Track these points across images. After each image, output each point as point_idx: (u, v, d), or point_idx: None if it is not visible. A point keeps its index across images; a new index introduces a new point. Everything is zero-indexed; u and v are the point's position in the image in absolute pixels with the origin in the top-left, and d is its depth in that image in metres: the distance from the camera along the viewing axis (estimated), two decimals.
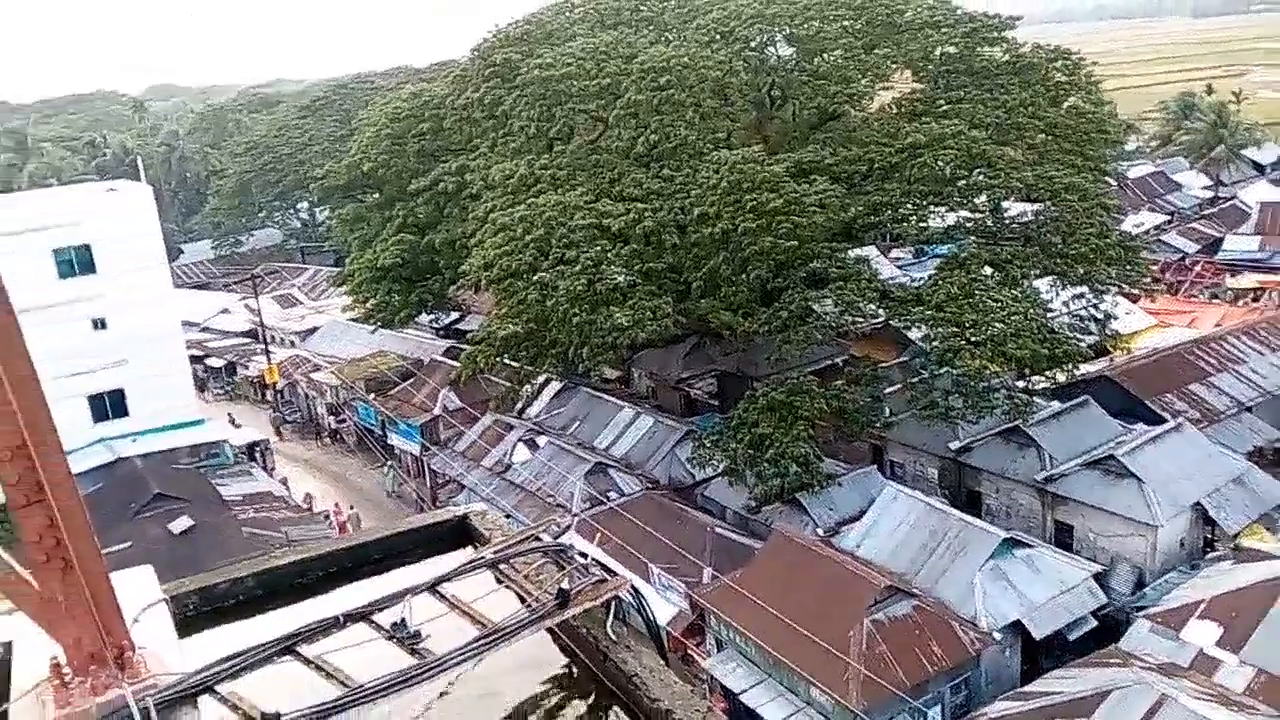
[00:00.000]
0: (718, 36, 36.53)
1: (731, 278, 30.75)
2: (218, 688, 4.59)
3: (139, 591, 5.45)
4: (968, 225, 32.56)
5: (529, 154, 35.68)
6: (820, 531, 27.97)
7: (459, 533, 7.42)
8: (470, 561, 5.90)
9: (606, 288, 29.47)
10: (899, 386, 33.17)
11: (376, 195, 47.57)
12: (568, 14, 44.83)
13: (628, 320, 28.62)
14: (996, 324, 27.36)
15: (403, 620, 5.26)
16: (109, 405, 37.22)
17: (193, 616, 6.64)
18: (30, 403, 4.47)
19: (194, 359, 48.94)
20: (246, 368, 56.74)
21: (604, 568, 6.29)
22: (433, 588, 5.50)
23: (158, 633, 5.07)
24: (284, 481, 40.34)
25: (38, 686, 4.92)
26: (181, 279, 70.37)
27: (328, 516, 35.62)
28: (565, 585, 5.62)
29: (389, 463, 42.43)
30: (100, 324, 37.03)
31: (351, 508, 38.57)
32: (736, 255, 30.19)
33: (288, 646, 4.97)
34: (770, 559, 25.56)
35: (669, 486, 33.53)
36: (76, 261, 36.96)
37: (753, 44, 36.43)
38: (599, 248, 29.64)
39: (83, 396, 35.77)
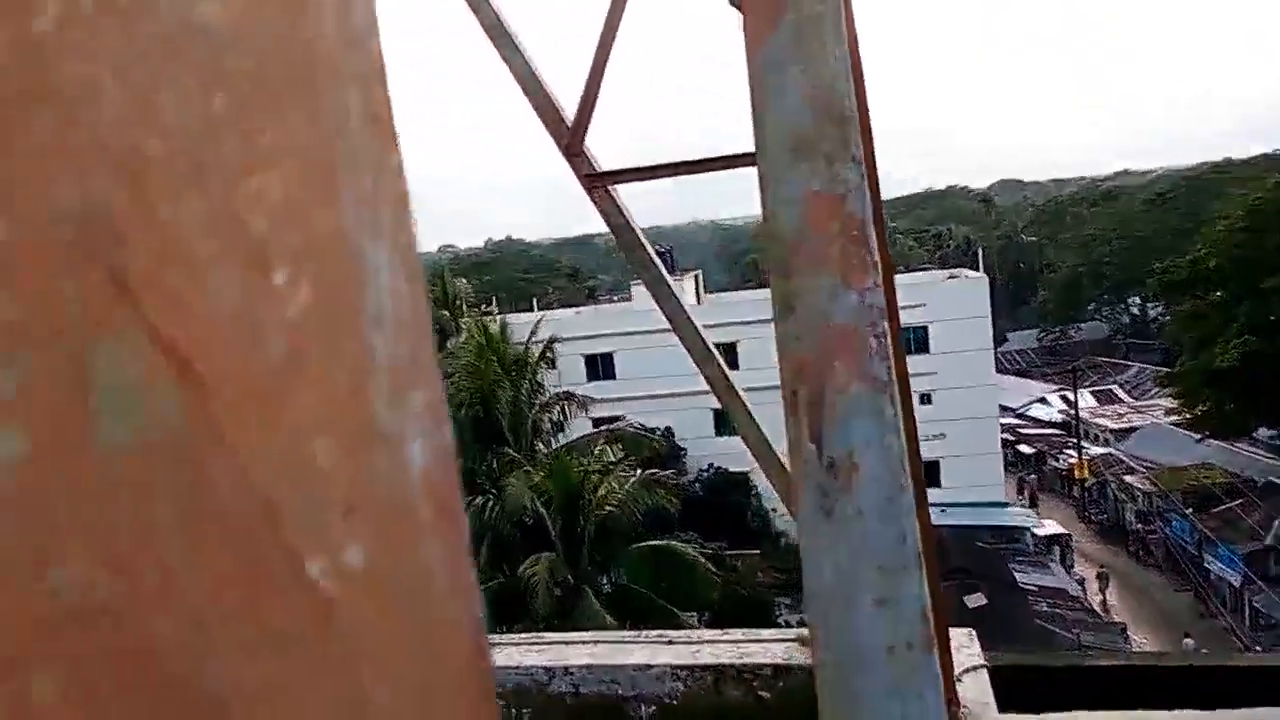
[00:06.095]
0: None
1: None
2: None
3: (963, 650, 5.72)
4: None
5: None
6: None
7: None
8: None
9: None
10: None
11: (1220, 293, 43.44)
12: None
13: None
14: None
15: None
16: (925, 474, 40.24)
17: (1000, 691, 6.71)
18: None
19: (1005, 443, 50.12)
20: (1056, 460, 56.19)
21: None
22: None
23: (978, 696, 5.25)
24: (1081, 582, 38.84)
25: None
26: (1003, 365, 72.78)
27: (1124, 629, 33.32)
28: None
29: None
30: (926, 399, 40.28)
31: (1102, 568, 38.80)
32: None
33: None
34: None
35: None
36: (914, 340, 40.93)
37: None
38: None
39: None
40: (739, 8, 1.27)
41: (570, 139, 5.12)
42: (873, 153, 3.76)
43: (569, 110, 5.20)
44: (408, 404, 0.45)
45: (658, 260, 5.14)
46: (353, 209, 0.43)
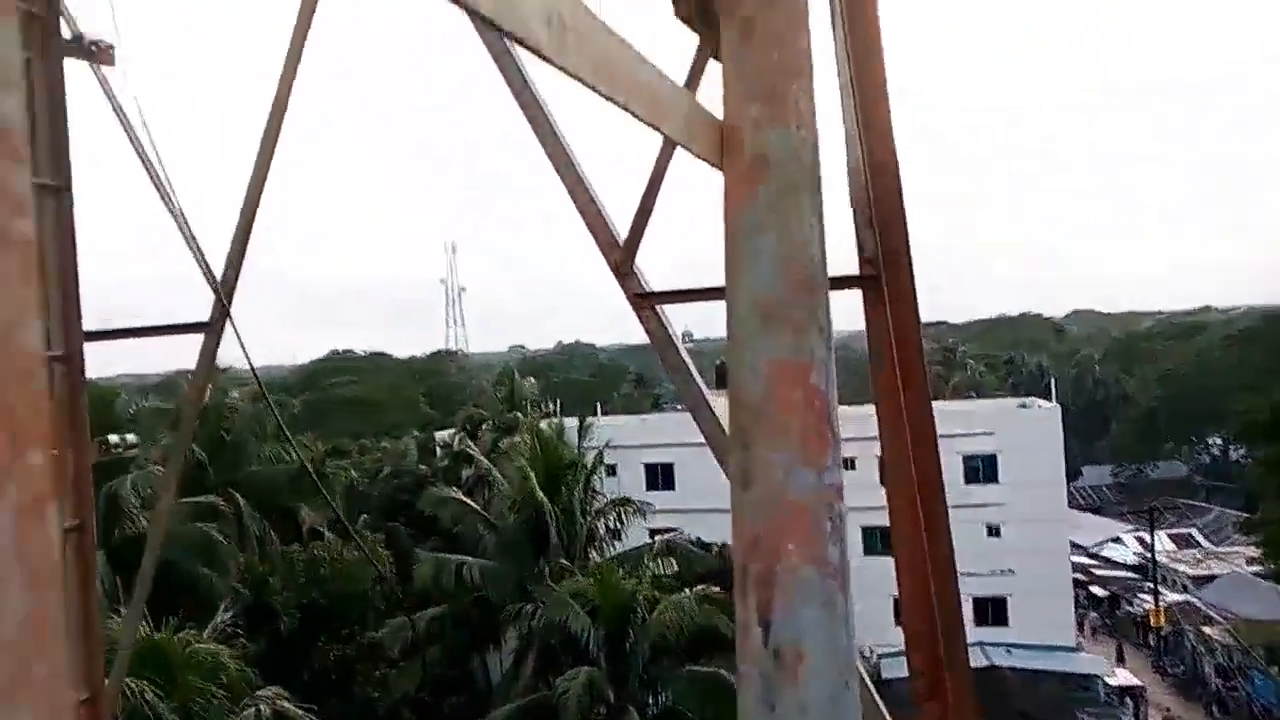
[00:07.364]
0: None
1: None
2: None
3: None
4: None
5: None
6: None
7: None
8: None
9: None
10: None
11: None
12: None
13: None
14: None
15: None
16: (990, 611, 38.63)
17: None
18: (946, 591, 4.85)
19: (1077, 583, 48.08)
20: (1130, 604, 53.65)
21: None
22: None
23: None
24: None
25: None
26: (1076, 500, 70.42)
27: None
28: None
29: None
30: (994, 531, 39.02)
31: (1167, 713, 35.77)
32: None
33: None
34: None
35: None
36: (983, 469, 39.87)
37: None
38: None
39: (968, 598, 37.81)
40: (719, 167, 1.27)
41: (622, 258, 5.18)
42: (914, 286, 3.72)
43: (622, 230, 5.27)
44: None
45: (700, 381, 5.11)
46: None
